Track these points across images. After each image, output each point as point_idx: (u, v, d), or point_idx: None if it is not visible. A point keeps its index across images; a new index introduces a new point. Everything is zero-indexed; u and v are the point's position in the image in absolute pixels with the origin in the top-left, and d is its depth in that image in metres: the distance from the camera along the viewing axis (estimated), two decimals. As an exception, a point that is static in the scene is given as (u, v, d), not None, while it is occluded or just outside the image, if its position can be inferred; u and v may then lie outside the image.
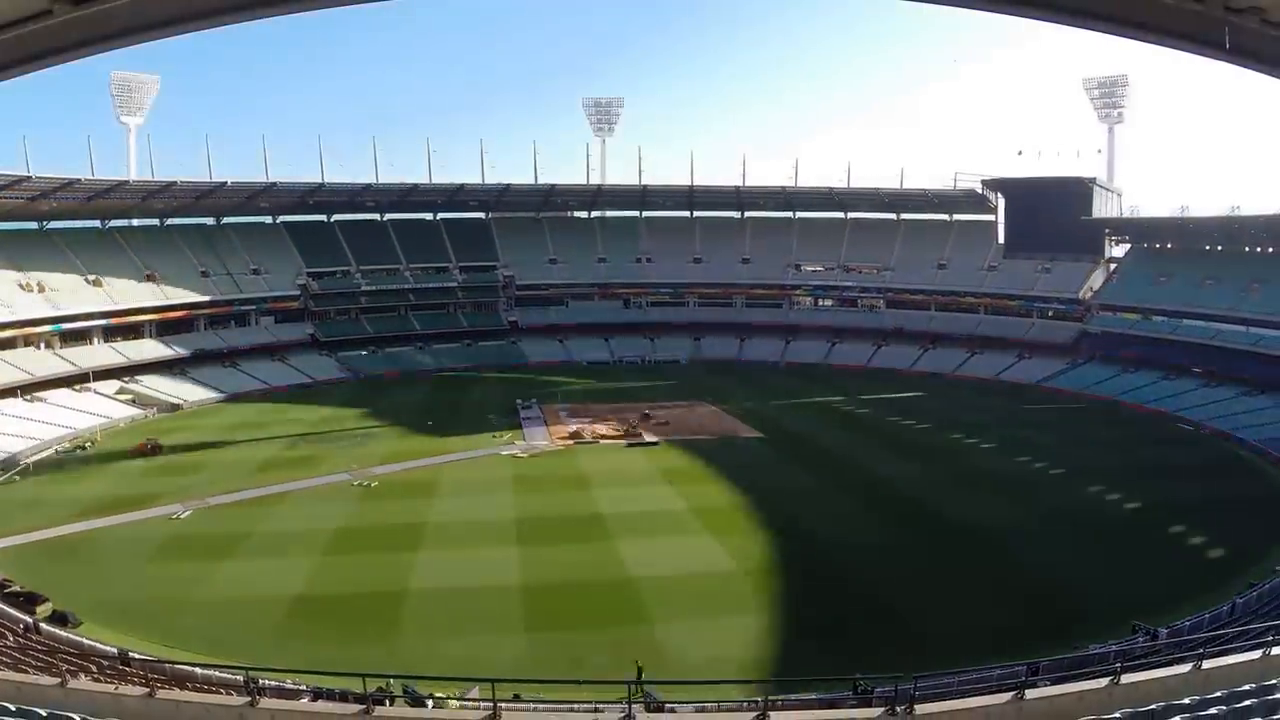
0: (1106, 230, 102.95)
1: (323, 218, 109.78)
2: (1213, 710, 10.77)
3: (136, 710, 11.84)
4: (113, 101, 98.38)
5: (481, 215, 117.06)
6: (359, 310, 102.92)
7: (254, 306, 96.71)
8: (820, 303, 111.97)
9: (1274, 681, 11.95)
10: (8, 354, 73.27)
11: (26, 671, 18.14)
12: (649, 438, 62.70)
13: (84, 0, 7.16)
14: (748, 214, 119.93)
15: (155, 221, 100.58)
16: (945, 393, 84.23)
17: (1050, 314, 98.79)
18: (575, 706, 19.32)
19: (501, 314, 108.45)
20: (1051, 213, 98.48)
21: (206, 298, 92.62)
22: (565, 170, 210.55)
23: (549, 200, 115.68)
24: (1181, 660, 17.21)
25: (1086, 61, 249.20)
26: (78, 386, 73.57)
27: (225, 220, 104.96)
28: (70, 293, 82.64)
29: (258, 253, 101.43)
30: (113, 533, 42.93)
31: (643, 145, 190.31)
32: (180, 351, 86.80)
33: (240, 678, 20.11)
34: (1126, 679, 12.70)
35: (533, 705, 18.33)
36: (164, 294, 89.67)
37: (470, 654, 28.94)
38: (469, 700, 20.52)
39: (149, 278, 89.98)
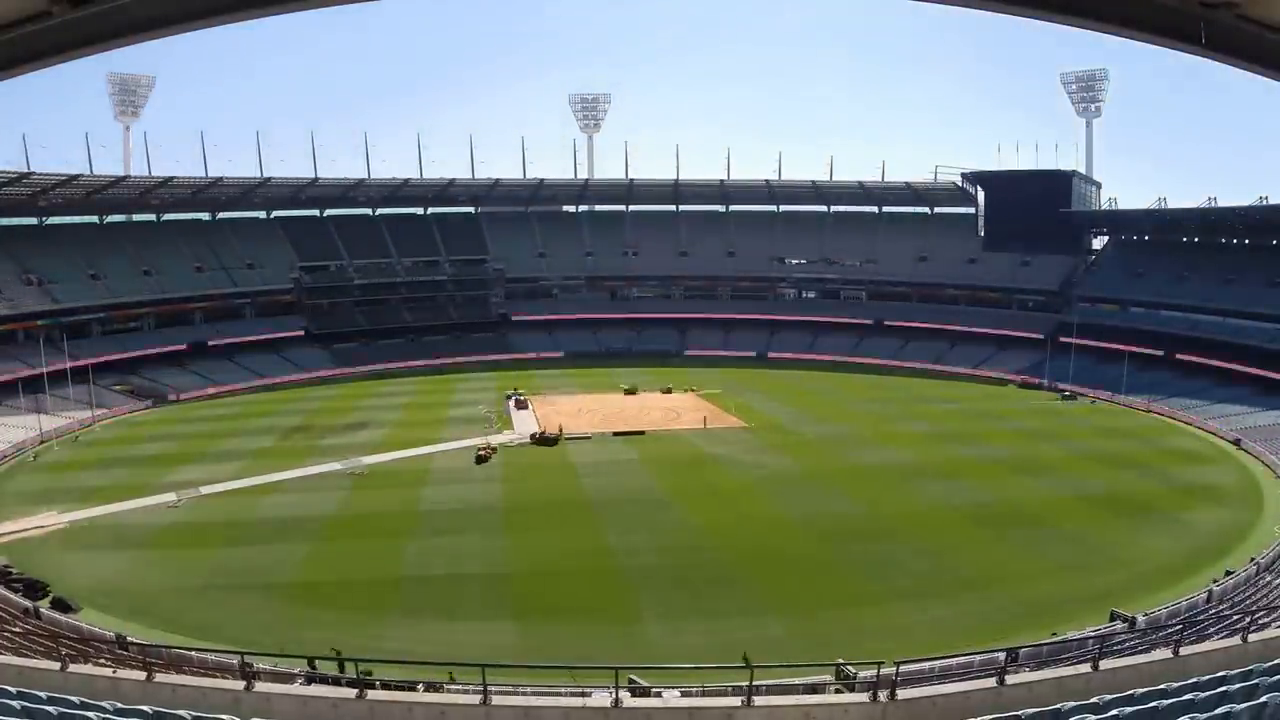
0: (1086, 223, 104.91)
1: (315, 213, 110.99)
2: (1189, 696, 10.59)
3: (135, 693, 11.77)
4: (110, 100, 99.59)
5: (471, 210, 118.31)
6: (351, 303, 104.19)
7: (248, 300, 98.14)
8: (804, 294, 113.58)
9: (1251, 667, 11.84)
10: (8, 346, 75.03)
11: (28, 656, 18.48)
12: (637, 427, 64.36)
13: (83, 1, 7.16)
14: (732, 208, 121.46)
15: (152, 217, 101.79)
16: (925, 382, 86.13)
17: (1030, 305, 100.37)
18: (562, 691, 20.27)
19: (491, 306, 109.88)
20: (1031, 206, 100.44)
21: (202, 291, 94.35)
22: (553, 165, 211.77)
23: (537, 195, 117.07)
24: (1159, 646, 17.66)
25: (1064, 55, 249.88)
26: (77, 379, 75.09)
27: (220, 215, 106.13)
28: (70, 286, 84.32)
29: (252, 247, 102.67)
30: (110, 521, 43.89)
31: (629, 140, 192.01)
32: (177, 344, 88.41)
33: (235, 661, 19.97)
34: (1105, 665, 12.69)
35: (522, 690, 18.50)
36: (161, 288, 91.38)
37: (460, 640, 29.74)
38: (459, 685, 20.45)
39: (145, 272, 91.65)
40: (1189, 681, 11.35)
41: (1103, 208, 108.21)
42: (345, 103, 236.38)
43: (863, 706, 11.45)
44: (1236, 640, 13.92)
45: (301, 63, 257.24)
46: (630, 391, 79.85)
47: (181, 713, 10.59)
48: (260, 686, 12.28)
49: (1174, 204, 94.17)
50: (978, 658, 23.93)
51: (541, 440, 59.51)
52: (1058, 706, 10.54)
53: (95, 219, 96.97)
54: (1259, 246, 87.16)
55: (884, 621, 31.54)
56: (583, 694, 18.05)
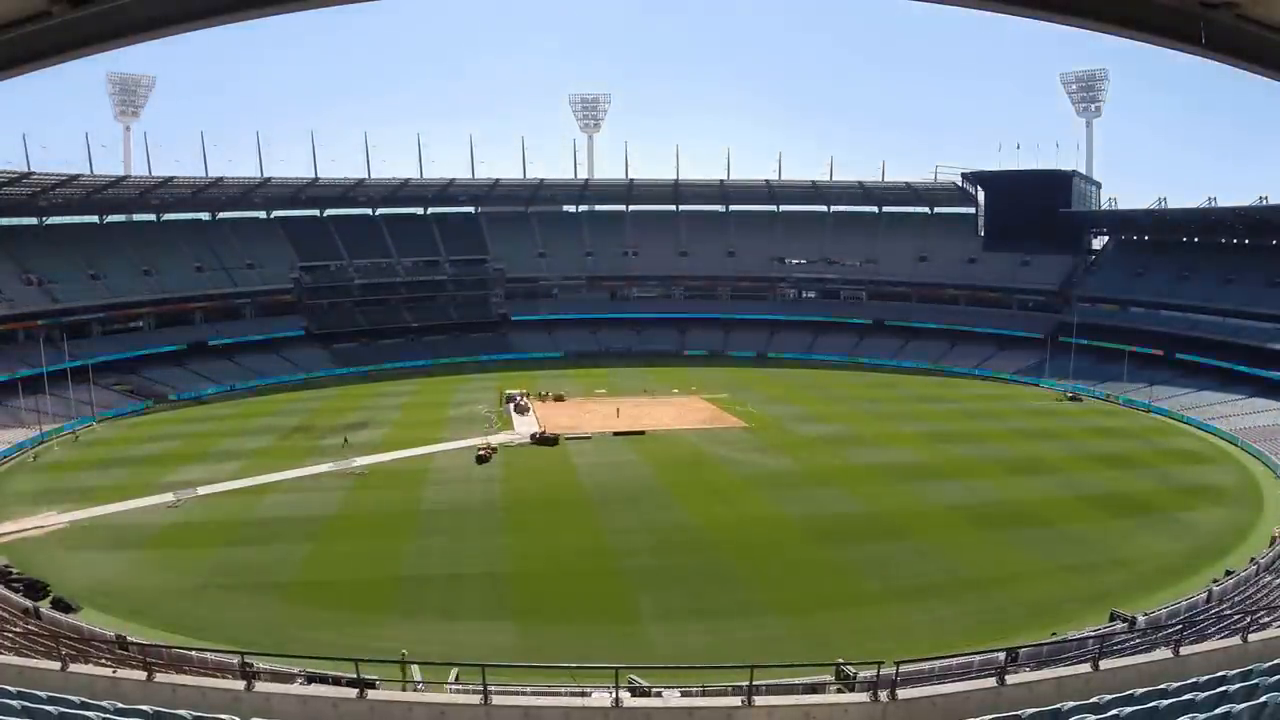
0: (1086, 223, 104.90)
1: (315, 212, 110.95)
2: (1189, 696, 10.60)
3: (135, 693, 11.77)
4: (110, 100, 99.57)
5: (471, 210, 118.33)
6: (351, 303, 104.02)
7: (248, 300, 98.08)
8: (804, 294, 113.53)
9: (1251, 667, 11.87)
10: (8, 346, 74.97)
11: (29, 656, 18.43)
12: (635, 427, 64.36)
13: (83, 1, 7.08)
14: (732, 208, 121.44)
15: (152, 217, 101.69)
16: (925, 382, 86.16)
17: (1030, 305, 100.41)
18: (562, 691, 20.26)
19: (491, 306, 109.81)
20: (1032, 205, 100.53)
21: (202, 291, 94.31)
22: (553, 165, 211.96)
23: (537, 195, 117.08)
24: (1160, 646, 17.60)
25: (1064, 55, 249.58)
26: (77, 379, 75.11)
27: (220, 215, 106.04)
28: (70, 286, 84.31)
29: (252, 247, 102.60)
30: (110, 521, 43.89)
31: (629, 140, 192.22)
32: (177, 344, 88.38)
33: (235, 661, 19.83)
34: (1105, 664, 12.71)
35: (522, 690, 18.71)
36: (161, 288, 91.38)
37: (460, 640, 29.75)
38: (459, 684, 20.66)
39: (145, 272, 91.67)
40: (1189, 681, 11.35)
41: (1103, 208, 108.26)
42: (345, 103, 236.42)
43: (863, 706, 11.46)
44: (1236, 640, 13.94)
45: (301, 63, 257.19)
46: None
47: (181, 713, 10.60)
48: (260, 686, 12.29)
49: (1174, 204, 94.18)
50: (978, 658, 23.86)
51: (541, 440, 59.51)
52: (1058, 706, 10.54)
53: (95, 219, 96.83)
54: (1259, 246, 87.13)
55: (884, 621, 31.52)
56: (583, 694, 18.05)
